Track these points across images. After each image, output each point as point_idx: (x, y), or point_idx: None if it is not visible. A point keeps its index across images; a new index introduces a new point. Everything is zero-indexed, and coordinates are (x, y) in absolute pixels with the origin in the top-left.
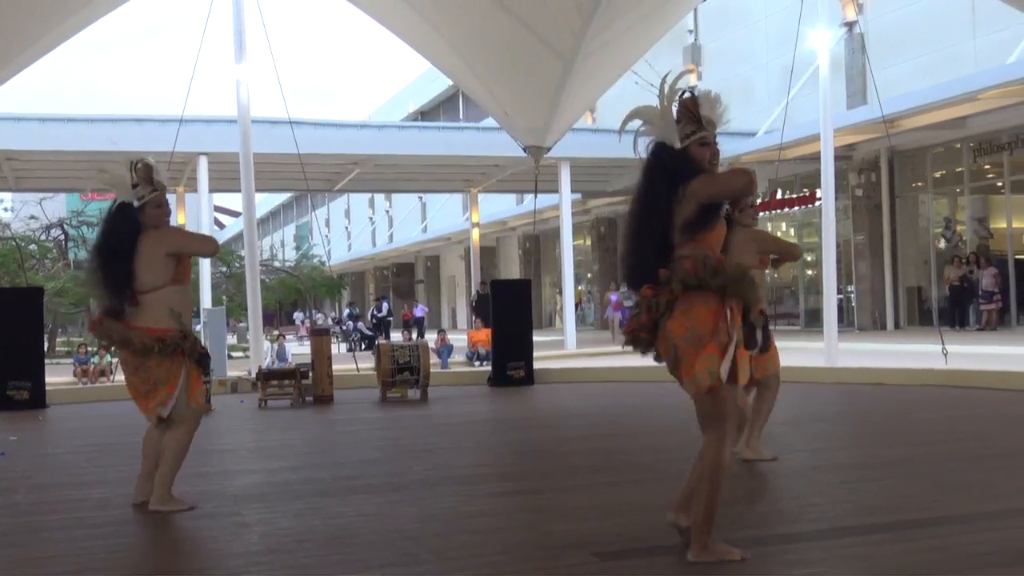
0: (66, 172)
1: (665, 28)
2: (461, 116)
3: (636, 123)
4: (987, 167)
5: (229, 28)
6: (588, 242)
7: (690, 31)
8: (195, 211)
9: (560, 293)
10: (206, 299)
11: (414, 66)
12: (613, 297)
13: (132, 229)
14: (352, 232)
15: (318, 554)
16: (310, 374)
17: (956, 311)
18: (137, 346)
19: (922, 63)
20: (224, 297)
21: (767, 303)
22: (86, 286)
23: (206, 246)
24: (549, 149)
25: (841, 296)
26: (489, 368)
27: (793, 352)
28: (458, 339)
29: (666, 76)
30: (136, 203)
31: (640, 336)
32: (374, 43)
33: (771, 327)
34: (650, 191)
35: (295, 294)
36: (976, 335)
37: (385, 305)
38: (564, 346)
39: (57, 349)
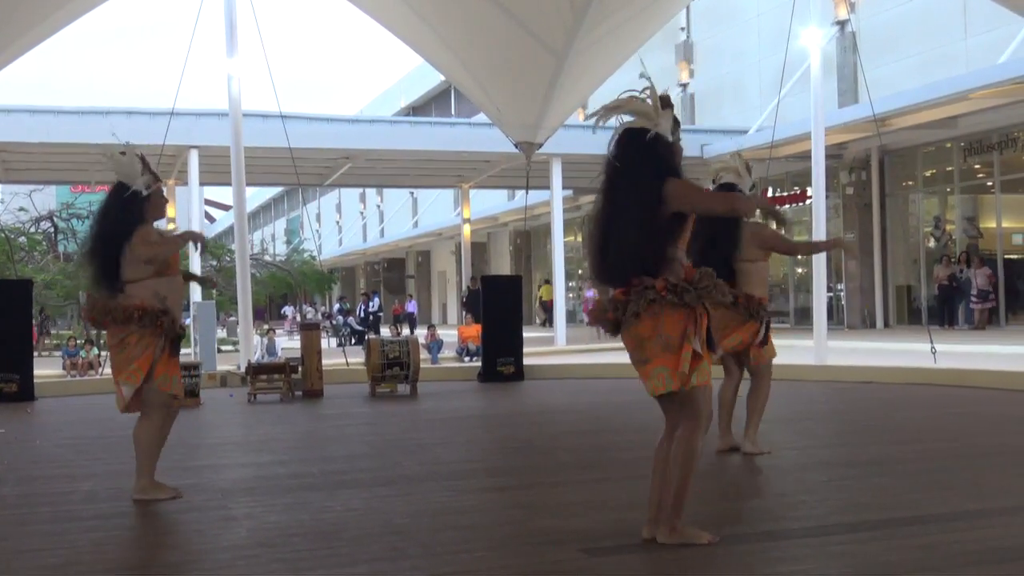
0: (56, 164)
1: (657, 25)
2: (453, 112)
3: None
4: (977, 167)
5: (221, 22)
6: (579, 238)
7: (682, 28)
8: (185, 204)
9: (539, 289)
10: (196, 293)
11: (406, 61)
12: (588, 293)
13: (135, 218)
14: (343, 227)
15: (306, 548)
16: (300, 368)
17: (945, 310)
18: (119, 315)
19: (913, 63)
20: (214, 291)
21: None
22: (79, 271)
23: (149, 257)
24: (541, 145)
25: (831, 294)
26: (479, 364)
27: (782, 350)
28: (448, 335)
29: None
30: (144, 192)
31: (606, 324)
32: (366, 38)
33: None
34: (640, 183)
35: (285, 288)
36: (965, 334)
37: (375, 300)
38: (554, 342)
39: (46, 342)
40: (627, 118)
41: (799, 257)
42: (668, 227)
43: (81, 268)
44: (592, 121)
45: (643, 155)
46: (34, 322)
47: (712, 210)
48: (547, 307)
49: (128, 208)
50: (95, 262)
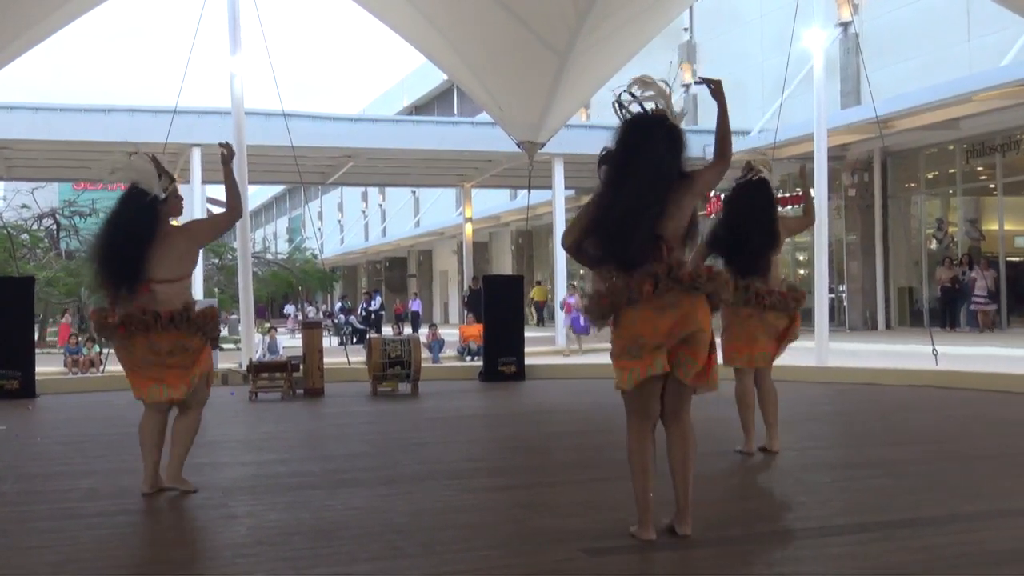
0: (58, 161)
1: (660, 26)
2: (455, 111)
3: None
4: (979, 169)
5: (224, 21)
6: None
7: (685, 29)
8: (187, 203)
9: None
10: (198, 291)
11: (409, 60)
12: (571, 299)
13: (155, 219)
14: (345, 225)
15: (306, 547)
16: (301, 367)
17: (948, 312)
18: (196, 322)
19: (916, 64)
20: (216, 289)
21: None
22: (89, 271)
23: (233, 218)
24: (543, 145)
25: (832, 296)
26: (480, 363)
27: (784, 351)
28: (450, 334)
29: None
30: (162, 194)
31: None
32: (369, 37)
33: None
34: (667, 169)
35: (287, 287)
36: (967, 336)
37: (377, 299)
38: (555, 342)
39: (47, 339)
40: (640, 105)
41: (799, 258)
42: (692, 221)
43: (91, 269)
44: (620, 95)
45: (670, 142)
46: (69, 320)
47: (726, 163)
48: (539, 307)
49: (147, 211)
50: (115, 264)
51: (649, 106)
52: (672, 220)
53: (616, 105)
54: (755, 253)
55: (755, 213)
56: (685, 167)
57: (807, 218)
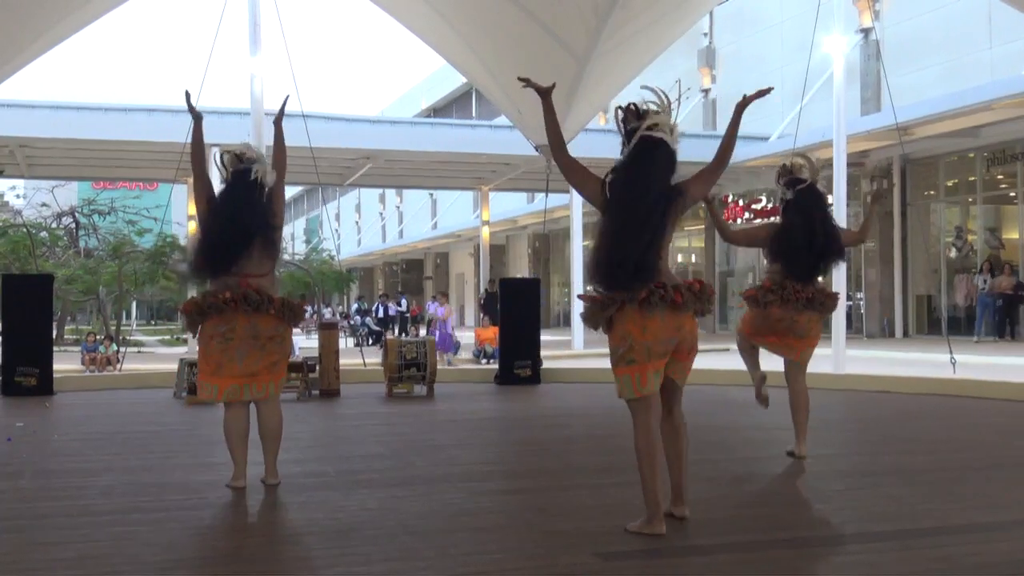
0: (78, 160)
1: (680, 30)
2: (474, 114)
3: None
4: (1000, 177)
5: (244, 21)
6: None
7: (705, 34)
8: None
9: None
10: None
11: (428, 63)
12: (439, 311)
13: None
14: (362, 227)
15: (320, 547)
16: (317, 368)
17: (1008, 321)
18: (296, 311)
19: (937, 71)
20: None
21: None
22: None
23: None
24: None
25: (850, 303)
26: (496, 366)
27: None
28: (465, 336)
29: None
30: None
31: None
32: (388, 39)
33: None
34: (659, 198)
35: (303, 288)
36: (1011, 346)
37: (403, 301)
38: (571, 346)
39: (65, 337)
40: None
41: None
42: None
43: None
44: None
45: (666, 165)
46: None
47: (721, 171)
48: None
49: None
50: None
51: (653, 108)
52: (665, 237)
53: (620, 121)
54: (814, 262)
55: (815, 222)
56: (674, 183)
57: (860, 234)
